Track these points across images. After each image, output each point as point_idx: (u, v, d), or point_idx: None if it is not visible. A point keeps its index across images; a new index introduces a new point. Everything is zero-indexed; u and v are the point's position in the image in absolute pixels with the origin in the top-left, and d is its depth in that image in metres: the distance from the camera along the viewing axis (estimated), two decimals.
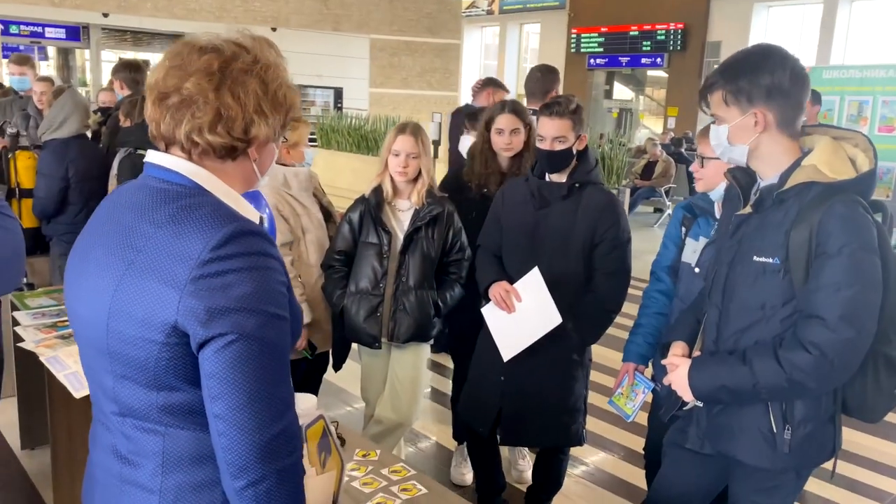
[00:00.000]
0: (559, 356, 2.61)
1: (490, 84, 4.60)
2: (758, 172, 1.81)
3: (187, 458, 1.17)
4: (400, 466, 1.99)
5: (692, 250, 2.42)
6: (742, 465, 1.85)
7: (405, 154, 2.79)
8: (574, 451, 3.07)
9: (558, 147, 2.55)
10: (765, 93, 1.69)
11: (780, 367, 1.66)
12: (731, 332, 1.80)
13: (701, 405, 1.90)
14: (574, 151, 2.59)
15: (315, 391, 3.23)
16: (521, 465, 3.42)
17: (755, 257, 1.75)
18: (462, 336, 3.02)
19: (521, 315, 2.57)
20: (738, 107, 1.72)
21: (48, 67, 19.68)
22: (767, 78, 1.69)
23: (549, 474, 2.91)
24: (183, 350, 1.11)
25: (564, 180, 2.61)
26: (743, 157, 1.77)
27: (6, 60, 5.61)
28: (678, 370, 1.83)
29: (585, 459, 3.66)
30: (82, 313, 1.20)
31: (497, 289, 2.62)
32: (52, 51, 19.81)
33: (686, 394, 1.82)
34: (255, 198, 2.00)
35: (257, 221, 1.20)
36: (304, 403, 2.09)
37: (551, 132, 2.54)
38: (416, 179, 2.85)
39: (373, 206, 2.87)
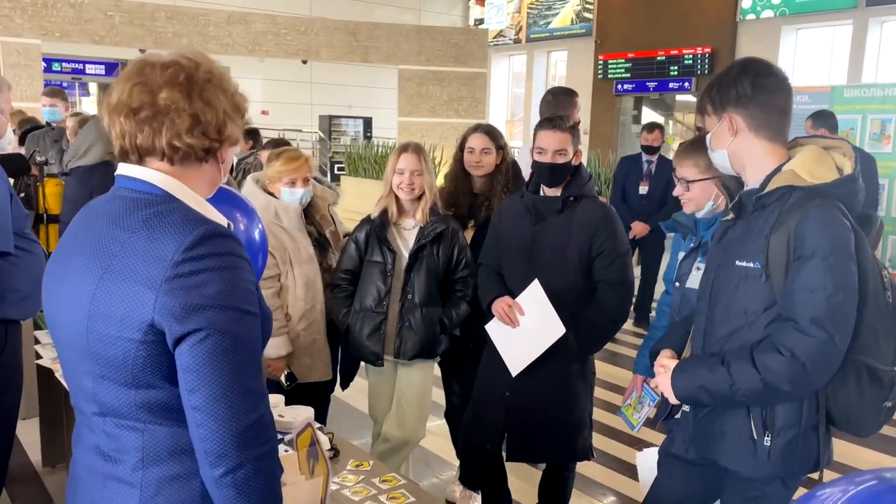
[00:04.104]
0: (559, 369, 2.62)
1: None
2: (745, 179, 1.84)
3: (166, 452, 1.23)
4: (391, 476, 2.02)
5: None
6: (729, 474, 1.84)
7: (409, 171, 2.86)
8: (580, 467, 3.05)
9: (560, 160, 2.58)
10: (732, 99, 1.78)
11: (755, 369, 1.66)
12: (716, 338, 1.81)
13: (688, 410, 1.90)
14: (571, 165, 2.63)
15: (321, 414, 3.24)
16: None
17: (737, 262, 1.77)
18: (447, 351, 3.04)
19: (526, 329, 2.59)
20: (716, 114, 1.81)
21: (91, 103, 20.35)
22: (731, 86, 1.78)
23: (555, 492, 2.89)
24: (159, 348, 1.18)
25: (559, 194, 2.64)
26: (724, 161, 1.85)
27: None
28: (666, 372, 1.84)
29: (592, 476, 3.63)
30: (62, 319, 1.27)
31: (500, 304, 2.64)
32: (93, 87, 20.48)
33: (671, 396, 1.82)
34: (249, 216, 2.07)
35: (225, 226, 1.27)
36: (301, 415, 2.15)
37: (553, 145, 2.58)
38: (420, 198, 2.91)
39: (377, 226, 2.92)
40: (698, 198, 2.30)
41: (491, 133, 3.16)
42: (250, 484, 1.16)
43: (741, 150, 1.79)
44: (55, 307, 1.29)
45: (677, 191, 2.34)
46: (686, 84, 16.80)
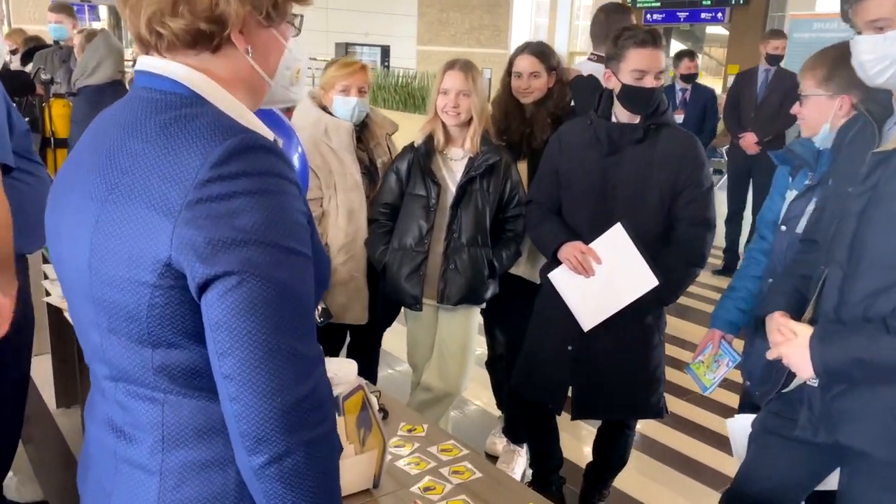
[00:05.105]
0: (635, 320, 2.31)
1: None
2: None
3: (192, 431, 0.95)
4: (451, 445, 1.75)
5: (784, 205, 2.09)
6: (863, 457, 1.55)
7: (455, 91, 2.51)
8: (638, 425, 2.78)
9: (659, 84, 2.23)
10: None
11: None
12: (860, 297, 1.47)
13: (815, 384, 1.59)
14: None
15: (368, 363, 2.98)
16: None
17: None
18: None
19: (604, 279, 2.26)
20: None
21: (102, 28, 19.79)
22: None
23: (614, 450, 2.64)
24: (179, 295, 0.88)
25: (637, 121, 2.29)
26: None
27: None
28: (795, 341, 1.51)
29: (649, 434, 3.39)
30: (65, 254, 0.98)
31: (571, 251, 2.29)
32: (103, 10, 19.87)
33: (805, 369, 1.50)
34: (287, 136, 1.75)
35: (271, 140, 0.96)
36: (343, 370, 1.87)
37: (656, 65, 2.20)
38: (469, 123, 2.57)
39: (422, 155, 2.60)
40: (811, 118, 1.92)
41: (541, 53, 2.76)
42: (301, 475, 0.87)
43: None
44: (58, 240, 1.00)
45: (795, 108, 1.97)
46: (719, 14, 16.03)
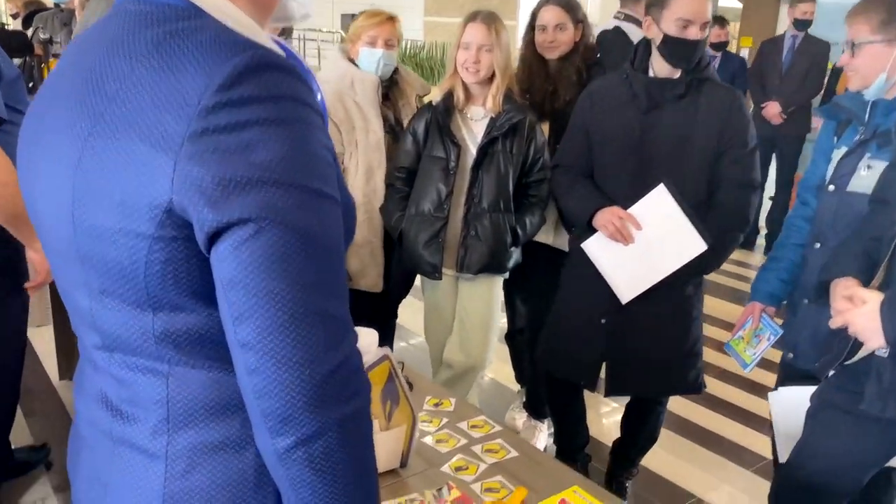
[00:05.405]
0: (674, 291, 2.16)
1: None
2: None
3: (202, 407, 0.80)
4: (481, 420, 1.61)
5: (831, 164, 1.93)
6: None
7: (476, 46, 2.34)
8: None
9: (704, 35, 2.05)
10: None
11: None
12: None
13: (885, 354, 1.45)
14: None
15: (383, 335, 2.84)
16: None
17: None
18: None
19: (645, 246, 2.11)
20: None
21: None
22: None
23: (644, 428, 2.51)
24: (184, 247, 0.73)
25: (677, 76, 2.12)
26: None
27: None
28: (865, 308, 1.38)
29: (672, 409, 3.25)
30: (42, 204, 0.82)
31: (608, 217, 2.13)
32: None
33: (874, 338, 1.37)
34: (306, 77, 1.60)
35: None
36: (364, 339, 1.72)
37: (703, 14, 2.02)
38: (491, 80, 2.41)
39: (440, 114, 2.44)
40: (865, 68, 1.75)
41: (567, 4, 2.58)
42: (333, 459, 0.73)
43: None
44: (33, 187, 0.84)
45: (843, 59, 1.80)
46: None
